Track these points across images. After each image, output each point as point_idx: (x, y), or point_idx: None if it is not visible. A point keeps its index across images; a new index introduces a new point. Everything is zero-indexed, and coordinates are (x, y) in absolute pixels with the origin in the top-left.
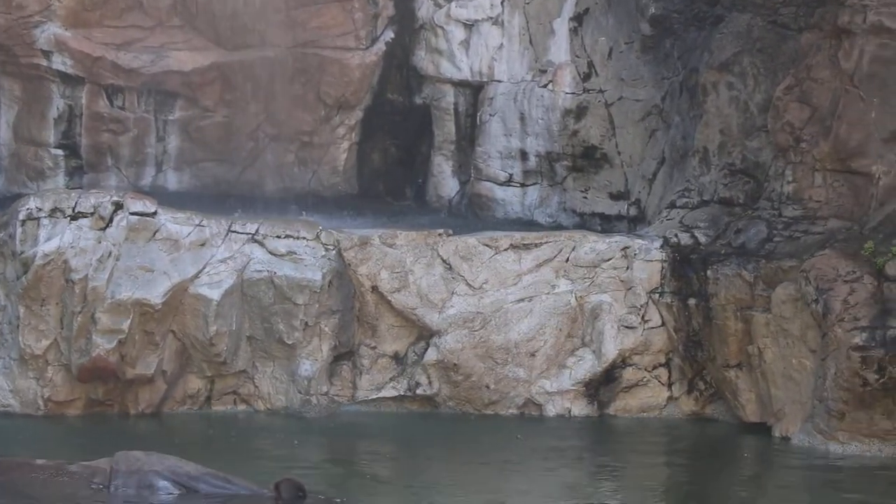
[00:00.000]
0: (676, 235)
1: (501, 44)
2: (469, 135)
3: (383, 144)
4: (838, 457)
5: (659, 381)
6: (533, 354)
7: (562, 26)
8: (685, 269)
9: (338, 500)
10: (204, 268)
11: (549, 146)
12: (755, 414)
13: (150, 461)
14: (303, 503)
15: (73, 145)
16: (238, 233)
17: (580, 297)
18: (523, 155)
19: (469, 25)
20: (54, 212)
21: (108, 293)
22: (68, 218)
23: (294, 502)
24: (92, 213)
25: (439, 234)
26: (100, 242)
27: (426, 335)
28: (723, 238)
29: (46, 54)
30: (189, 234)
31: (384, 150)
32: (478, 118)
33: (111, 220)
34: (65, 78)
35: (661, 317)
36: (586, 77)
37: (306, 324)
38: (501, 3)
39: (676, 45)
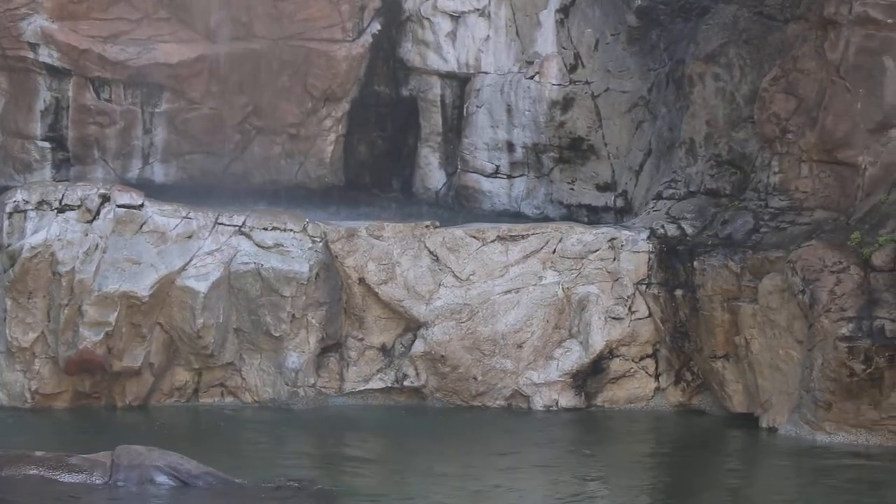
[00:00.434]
0: (663, 226)
1: (488, 35)
2: (456, 126)
3: (370, 136)
4: (825, 447)
5: (646, 372)
6: (520, 346)
7: (548, 18)
8: (672, 260)
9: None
10: (191, 260)
11: (535, 138)
12: (742, 405)
13: (151, 456)
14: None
15: (59, 138)
16: (225, 225)
17: (567, 288)
18: (510, 146)
19: (456, 17)
20: (41, 204)
21: (95, 286)
22: (55, 210)
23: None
24: (79, 206)
25: (426, 226)
26: (87, 235)
27: (413, 327)
28: (709, 229)
29: (33, 47)
30: (176, 226)
31: (371, 142)
32: (464, 110)
33: (98, 213)
34: (51, 70)
35: (648, 308)
36: (573, 69)
37: (293, 316)
38: None
39: (663, 36)
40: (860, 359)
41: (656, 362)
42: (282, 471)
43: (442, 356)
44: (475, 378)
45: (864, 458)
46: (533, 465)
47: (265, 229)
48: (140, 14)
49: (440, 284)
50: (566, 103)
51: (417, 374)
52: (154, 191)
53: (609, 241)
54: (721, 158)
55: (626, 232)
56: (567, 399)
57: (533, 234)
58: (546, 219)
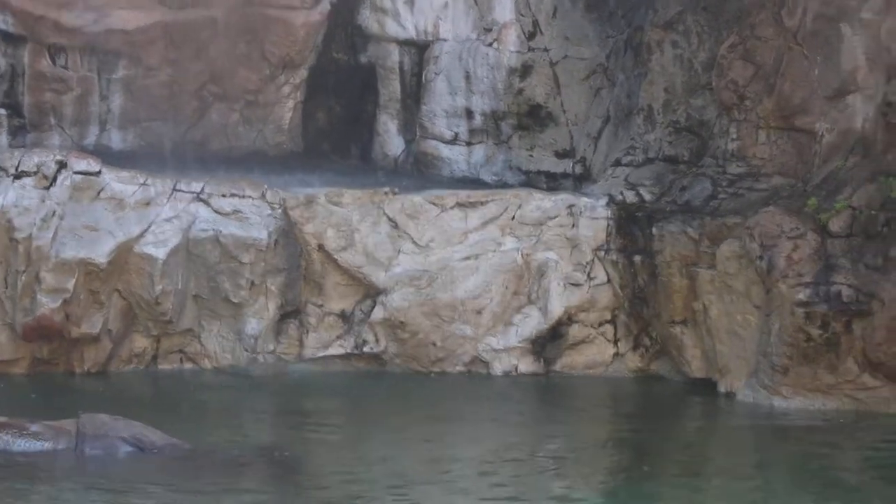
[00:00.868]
0: (622, 193)
1: (446, 2)
2: (414, 93)
3: (328, 103)
4: (782, 411)
5: (605, 338)
6: (479, 312)
7: None
8: (630, 226)
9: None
10: (149, 227)
11: (494, 105)
12: (700, 370)
13: (116, 426)
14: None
15: (15, 104)
16: (183, 192)
17: (526, 254)
18: (469, 113)
19: None
20: None
21: (53, 252)
22: (11, 177)
23: None
24: (35, 172)
25: (385, 193)
26: (43, 202)
27: (373, 293)
28: (668, 195)
29: None
30: (134, 193)
31: (329, 108)
32: (423, 77)
33: (55, 180)
34: (6, 37)
35: (607, 274)
36: (531, 36)
37: (252, 282)
38: None
39: (621, 3)
40: (817, 324)
41: (615, 328)
42: (244, 439)
43: (401, 322)
44: (434, 344)
45: (820, 422)
46: (492, 430)
47: (223, 196)
48: None
49: (399, 251)
50: (524, 70)
51: (377, 341)
52: (111, 158)
53: (568, 207)
54: (679, 125)
55: (585, 198)
56: (526, 365)
57: (492, 200)
58: (505, 185)
